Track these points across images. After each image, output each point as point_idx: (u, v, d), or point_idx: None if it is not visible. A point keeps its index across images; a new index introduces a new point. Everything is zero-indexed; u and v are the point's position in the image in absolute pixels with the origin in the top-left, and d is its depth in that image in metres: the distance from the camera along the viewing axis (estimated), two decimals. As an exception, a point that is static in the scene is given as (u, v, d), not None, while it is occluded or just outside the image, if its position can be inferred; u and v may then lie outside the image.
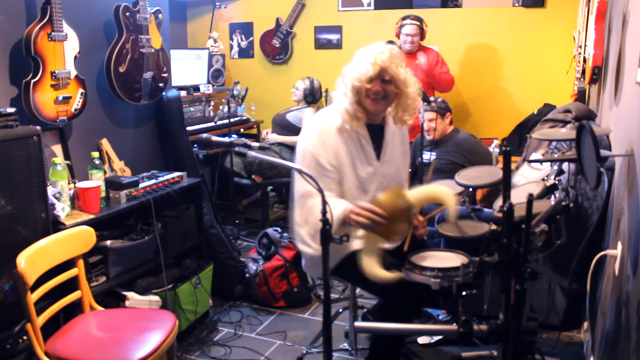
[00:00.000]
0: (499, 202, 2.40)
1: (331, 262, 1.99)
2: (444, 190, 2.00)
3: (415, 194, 1.99)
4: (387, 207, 1.90)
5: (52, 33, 2.46)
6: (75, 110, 2.66)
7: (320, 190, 1.70)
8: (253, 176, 4.45)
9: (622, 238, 1.93)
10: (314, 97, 4.48)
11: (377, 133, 2.17)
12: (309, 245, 2.11)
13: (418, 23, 4.13)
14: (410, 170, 3.67)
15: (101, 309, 2.25)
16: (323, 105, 4.82)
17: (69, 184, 2.48)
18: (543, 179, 2.40)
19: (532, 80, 4.41)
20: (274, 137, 4.45)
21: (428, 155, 3.58)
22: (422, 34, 4.17)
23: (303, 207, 2.09)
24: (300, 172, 1.80)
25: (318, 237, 1.81)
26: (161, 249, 2.71)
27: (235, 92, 4.69)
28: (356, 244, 2.04)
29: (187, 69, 4.76)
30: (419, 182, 3.13)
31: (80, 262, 2.19)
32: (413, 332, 2.31)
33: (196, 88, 4.80)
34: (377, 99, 2.06)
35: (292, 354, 2.80)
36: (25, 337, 2.10)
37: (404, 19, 4.20)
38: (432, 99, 3.52)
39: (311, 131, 2.12)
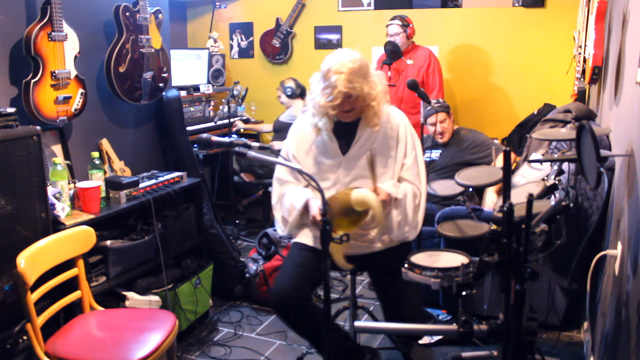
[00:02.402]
0: (499, 202, 2.40)
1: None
2: (372, 201, 2.11)
3: (357, 195, 2.12)
4: (332, 207, 2.09)
5: (52, 33, 2.46)
6: (75, 110, 2.66)
7: (321, 191, 1.72)
8: (242, 174, 4.47)
9: (622, 238, 1.93)
10: (302, 91, 4.54)
11: (348, 131, 2.30)
12: (280, 227, 2.42)
13: (399, 23, 4.13)
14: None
15: (101, 309, 2.25)
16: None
17: (69, 184, 2.48)
18: (543, 179, 2.40)
19: (532, 80, 4.41)
20: (277, 144, 4.47)
21: (435, 155, 3.58)
22: (406, 33, 4.16)
23: (278, 192, 2.40)
24: (300, 172, 1.81)
25: (286, 222, 2.34)
26: (161, 249, 2.71)
27: (235, 92, 4.69)
28: (299, 238, 2.36)
29: (187, 69, 4.76)
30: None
31: (80, 262, 2.19)
32: (413, 332, 2.31)
33: (196, 88, 4.80)
34: (347, 112, 2.20)
35: (292, 354, 2.80)
36: (25, 337, 2.10)
37: (390, 19, 4.21)
38: (434, 100, 3.52)
39: (290, 133, 2.42)
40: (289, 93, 4.52)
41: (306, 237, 2.35)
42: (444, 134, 3.51)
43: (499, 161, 3.42)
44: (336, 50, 2.25)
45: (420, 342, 2.82)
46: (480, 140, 3.53)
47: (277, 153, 4.42)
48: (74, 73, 2.61)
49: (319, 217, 2.13)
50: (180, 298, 2.82)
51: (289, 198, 2.31)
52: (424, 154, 3.50)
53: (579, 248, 2.46)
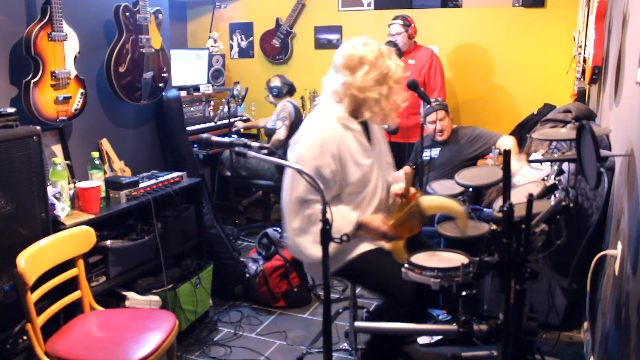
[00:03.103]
0: (499, 202, 2.40)
1: (338, 263, 2.18)
2: (454, 205, 2.15)
3: (430, 202, 2.13)
4: (404, 220, 2.13)
5: (52, 33, 2.46)
6: (75, 110, 2.66)
7: (320, 191, 1.71)
8: (220, 166, 4.47)
9: (622, 238, 1.93)
10: (290, 89, 4.50)
11: (364, 126, 2.26)
12: (312, 253, 2.14)
13: (401, 22, 4.13)
14: (414, 167, 3.72)
15: (101, 309, 2.25)
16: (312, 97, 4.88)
17: (69, 184, 2.48)
18: (543, 179, 2.40)
19: (532, 80, 4.41)
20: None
21: (435, 152, 3.58)
22: (408, 33, 4.16)
23: (301, 215, 2.14)
24: (300, 172, 1.80)
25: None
26: (161, 249, 2.71)
27: (235, 92, 4.68)
28: (364, 247, 2.17)
29: (187, 69, 4.76)
30: (420, 180, 3.14)
31: (80, 262, 2.19)
32: (413, 332, 2.31)
33: (196, 88, 4.81)
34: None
35: (292, 354, 2.80)
36: (25, 337, 2.10)
37: (392, 19, 4.21)
38: (432, 99, 3.53)
39: (312, 141, 2.14)
40: (275, 93, 4.44)
41: (370, 243, 2.22)
42: (444, 131, 3.52)
43: (504, 142, 3.42)
44: (354, 41, 2.23)
45: (420, 342, 2.82)
46: (477, 133, 3.54)
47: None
48: (74, 73, 2.61)
49: (384, 228, 2.13)
50: (180, 298, 2.82)
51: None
52: (423, 152, 3.52)
53: (579, 248, 2.46)
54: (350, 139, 2.17)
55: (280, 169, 4.21)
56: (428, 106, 3.46)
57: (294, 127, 4.32)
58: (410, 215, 2.13)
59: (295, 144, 2.19)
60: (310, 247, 2.14)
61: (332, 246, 2.04)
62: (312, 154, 2.11)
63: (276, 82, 4.45)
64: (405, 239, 2.21)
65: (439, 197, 2.25)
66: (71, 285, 2.18)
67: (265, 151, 1.88)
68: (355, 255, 2.18)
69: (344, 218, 2.12)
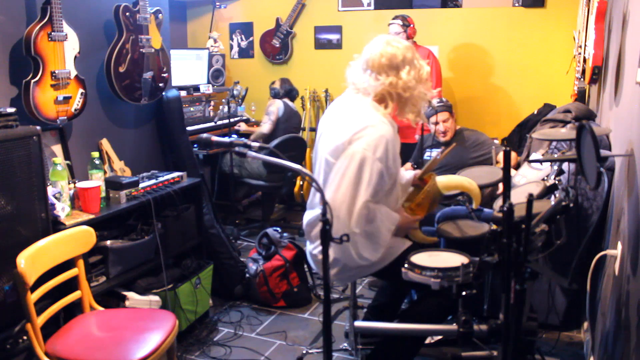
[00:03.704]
0: (499, 202, 2.40)
1: (383, 263, 2.22)
2: (468, 181, 2.29)
3: (444, 181, 2.29)
4: (422, 200, 2.28)
5: (52, 33, 2.46)
6: (75, 110, 2.66)
7: (320, 190, 1.71)
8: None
9: (622, 238, 1.93)
10: (286, 92, 4.56)
11: None
12: (367, 256, 2.11)
13: (400, 22, 4.13)
14: (415, 166, 3.71)
15: (101, 309, 2.25)
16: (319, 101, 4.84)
17: (69, 184, 2.48)
18: (543, 179, 2.40)
19: (532, 80, 4.41)
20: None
21: (437, 153, 3.58)
22: (407, 33, 4.16)
23: (366, 218, 2.07)
24: (301, 172, 1.80)
25: (383, 245, 2.13)
26: (161, 249, 2.71)
27: (235, 92, 4.69)
28: (405, 244, 2.26)
29: (187, 69, 4.76)
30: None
31: (80, 262, 2.19)
32: (413, 332, 2.31)
33: (196, 88, 4.81)
34: None
35: (292, 354, 2.80)
36: (25, 337, 2.10)
37: (392, 19, 4.21)
38: (436, 100, 3.53)
39: (377, 142, 2.05)
40: (272, 94, 4.57)
41: (406, 241, 2.29)
42: (447, 132, 3.52)
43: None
44: (386, 39, 2.18)
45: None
46: (481, 139, 3.54)
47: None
48: (74, 73, 2.61)
49: (413, 217, 2.25)
50: (180, 298, 2.82)
51: (384, 222, 2.14)
52: (424, 152, 3.52)
53: (579, 248, 2.46)
54: (396, 140, 2.17)
55: (269, 167, 4.21)
56: (430, 107, 3.45)
57: (282, 125, 4.41)
58: (428, 195, 2.25)
59: (350, 144, 2.06)
60: (367, 249, 2.10)
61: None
62: (378, 156, 2.04)
63: (276, 84, 4.60)
64: (422, 218, 2.31)
65: (452, 175, 2.37)
66: (71, 285, 2.18)
67: (256, 150, 1.87)
68: (400, 253, 2.23)
69: (390, 218, 2.16)
